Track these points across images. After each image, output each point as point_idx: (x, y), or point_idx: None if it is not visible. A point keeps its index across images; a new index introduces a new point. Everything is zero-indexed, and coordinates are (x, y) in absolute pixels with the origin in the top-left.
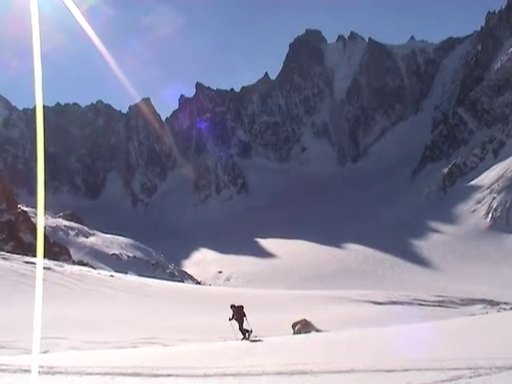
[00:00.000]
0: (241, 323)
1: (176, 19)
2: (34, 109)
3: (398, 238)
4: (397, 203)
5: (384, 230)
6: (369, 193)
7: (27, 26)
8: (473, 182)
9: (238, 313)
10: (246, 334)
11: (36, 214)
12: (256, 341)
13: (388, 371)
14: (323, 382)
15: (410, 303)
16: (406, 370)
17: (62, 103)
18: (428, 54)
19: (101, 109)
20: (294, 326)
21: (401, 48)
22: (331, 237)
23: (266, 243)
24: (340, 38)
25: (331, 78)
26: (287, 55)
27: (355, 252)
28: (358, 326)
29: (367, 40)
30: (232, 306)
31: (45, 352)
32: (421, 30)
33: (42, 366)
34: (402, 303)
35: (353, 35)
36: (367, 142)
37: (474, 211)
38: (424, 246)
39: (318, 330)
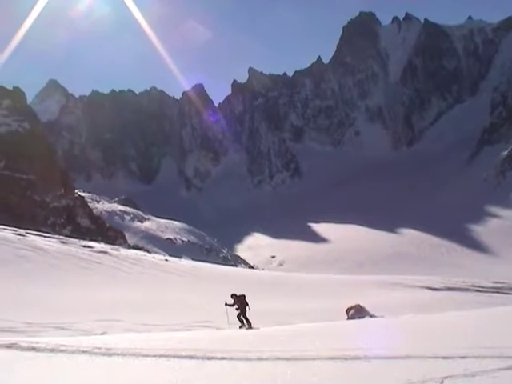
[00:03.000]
0: (242, 312)
1: (228, 5)
2: (90, 96)
3: (454, 222)
4: (453, 188)
5: (440, 215)
6: (424, 177)
7: (83, 18)
8: None
9: (240, 302)
10: (243, 322)
11: (92, 199)
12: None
13: (445, 358)
14: (377, 367)
15: (466, 289)
16: (464, 357)
17: (117, 90)
18: (486, 34)
19: (155, 95)
20: (347, 311)
21: (458, 28)
22: (385, 221)
23: (319, 228)
24: (394, 19)
25: (385, 61)
26: (340, 38)
27: (410, 237)
28: (413, 312)
29: (423, 21)
30: (233, 296)
31: (102, 334)
32: (479, 10)
33: (99, 348)
34: (458, 289)
35: (408, 16)
36: (423, 126)
37: None
38: (482, 231)
39: (371, 316)
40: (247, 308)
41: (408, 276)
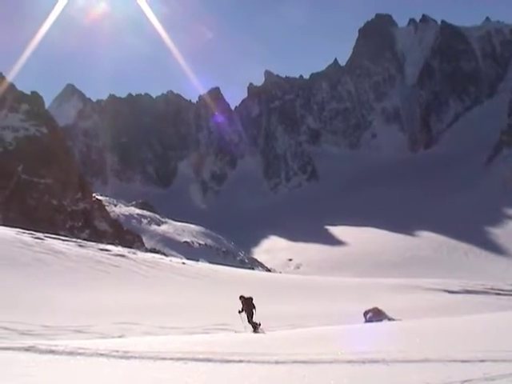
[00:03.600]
0: (250, 315)
1: (244, 8)
2: (107, 100)
3: (472, 225)
4: (471, 190)
5: (458, 218)
6: (441, 180)
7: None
8: None
9: (247, 305)
10: (256, 325)
11: (110, 203)
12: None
13: (463, 361)
14: (396, 371)
15: (485, 292)
16: (483, 361)
17: (134, 94)
18: (504, 35)
19: (171, 99)
20: (365, 314)
21: (475, 30)
22: (402, 224)
23: (336, 231)
24: (411, 21)
25: (402, 63)
26: (357, 40)
27: (428, 239)
28: (431, 315)
29: (439, 22)
30: (241, 298)
31: (119, 337)
32: (496, 11)
33: (116, 351)
34: (477, 292)
35: (424, 18)
36: (440, 128)
37: None
38: (500, 233)
39: (390, 319)
40: (254, 311)
41: (426, 279)
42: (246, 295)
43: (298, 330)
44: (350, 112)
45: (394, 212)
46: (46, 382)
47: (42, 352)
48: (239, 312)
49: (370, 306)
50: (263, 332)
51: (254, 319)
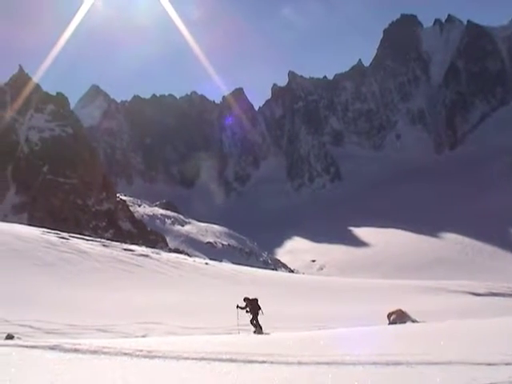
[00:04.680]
0: (254, 316)
1: (268, 9)
2: (132, 101)
3: (498, 227)
4: (497, 191)
5: (483, 219)
6: (467, 181)
7: (124, 24)
8: None
9: (252, 306)
10: (257, 327)
11: (134, 203)
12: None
13: (488, 364)
14: (419, 373)
15: (511, 295)
16: (508, 364)
17: (158, 95)
18: None
19: (195, 99)
20: (389, 316)
21: (501, 30)
22: (427, 226)
23: (360, 232)
24: (436, 21)
25: (427, 63)
26: (381, 41)
27: (452, 241)
28: (455, 317)
29: (465, 23)
30: (246, 299)
31: (143, 336)
32: None
33: (140, 350)
34: (503, 295)
35: (450, 18)
36: (466, 129)
37: None
38: None
39: (413, 321)
40: (259, 312)
41: (450, 281)
42: (251, 297)
43: (321, 331)
44: (374, 113)
45: (419, 213)
46: (71, 380)
47: (66, 351)
48: (237, 307)
49: (393, 308)
50: (261, 333)
51: (260, 320)
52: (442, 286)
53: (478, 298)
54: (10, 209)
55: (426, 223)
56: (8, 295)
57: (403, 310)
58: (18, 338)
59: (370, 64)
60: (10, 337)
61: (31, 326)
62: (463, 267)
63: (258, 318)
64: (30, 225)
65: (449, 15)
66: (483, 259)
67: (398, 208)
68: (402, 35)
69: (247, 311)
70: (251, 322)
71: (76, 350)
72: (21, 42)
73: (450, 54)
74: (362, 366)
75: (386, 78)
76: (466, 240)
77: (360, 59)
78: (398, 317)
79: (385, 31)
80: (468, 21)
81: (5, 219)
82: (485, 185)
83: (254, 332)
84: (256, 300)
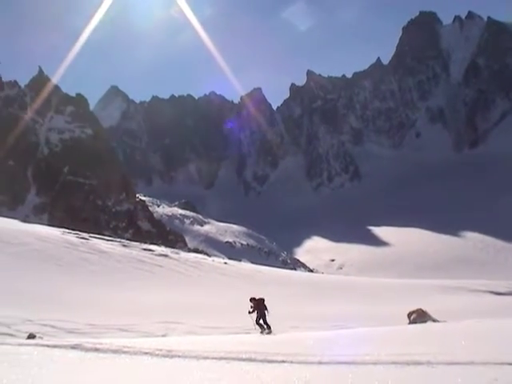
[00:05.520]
0: (261, 316)
1: (286, 9)
2: (151, 101)
3: None
4: None
5: (505, 218)
6: (488, 179)
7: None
8: None
9: (259, 306)
10: (263, 327)
11: (153, 203)
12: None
13: (510, 364)
14: (440, 373)
15: None
16: None
17: (177, 95)
18: None
19: (213, 100)
20: (409, 315)
21: None
22: (447, 225)
23: (379, 231)
24: (456, 18)
25: (447, 61)
26: (400, 39)
27: (473, 240)
28: (476, 316)
29: (485, 19)
30: (252, 300)
31: (163, 335)
32: None
33: (160, 349)
34: None
35: (470, 15)
36: (486, 127)
37: None
38: None
39: (434, 320)
40: (266, 312)
41: (471, 280)
42: (257, 297)
43: (341, 330)
44: (393, 111)
45: (439, 212)
46: (92, 379)
47: (87, 350)
48: (249, 313)
49: (414, 308)
50: (270, 333)
51: (268, 320)
52: (463, 286)
53: (499, 297)
54: (31, 209)
55: (445, 222)
56: (29, 295)
57: (423, 309)
58: (40, 337)
59: (389, 62)
60: (31, 336)
61: (52, 326)
62: (484, 266)
63: (267, 317)
64: (51, 225)
65: (469, 12)
66: (504, 258)
67: (418, 207)
68: (421, 33)
69: (254, 311)
70: (257, 322)
71: (97, 350)
72: (40, 44)
73: (470, 51)
74: (382, 365)
75: (405, 76)
76: (487, 239)
77: (379, 57)
78: (419, 316)
79: (404, 29)
80: (488, 17)
81: (26, 220)
82: (505, 183)
83: (261, 333)
84: (262, 300)
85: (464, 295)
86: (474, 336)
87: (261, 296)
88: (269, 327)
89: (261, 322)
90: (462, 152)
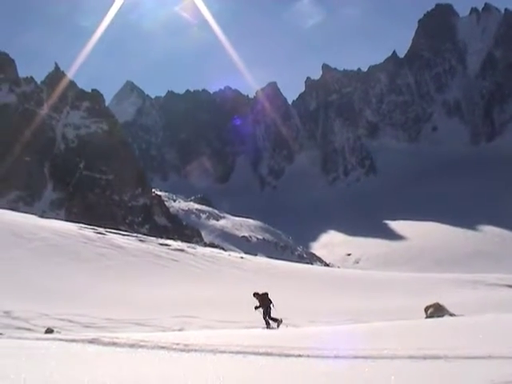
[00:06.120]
0: (267, 312)
1: (300, 3)
2: (166, 97)
3: None
4: None
5: None
6: (505, 173)
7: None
8: None
9: (263, 301)
10: (269, 323)
11: (169, 198)
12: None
13: None
14: (458, 367)
15: None
16: None
17: (192, 90)
18: None
19: (229, 94)
20: (426, 309)
21: None
22: (465, 218)
23: (396, 225)
24: (473, 10)
25: (464, 53)
26: (416, 32)
27: (491, 234)
28: (494, 311)
29: (503, 11)
30: (255, 295)
31: (179, 330)
32: None
33: (177, 344)
34: None
35: (487, 7)
36: (504, 119)
37: None
38: None
39: (451, 315)
40: (272, 306)
41: (488, 274)
42: (261, 291)
43: (358, 324)
44: (409, 105)
45: (456, 206)
46: (110, 373)
47: (105, 344)
48: (255, 308)
49: (431, 302)
50: (280, 325)
51: (274, 314)
52: (481, 279)
53: None
54: (48, 205)
55: (463, 216)
56: (47, 290)
57: (440, 303)
58: (58, 331)
59: (405, 55)
60: (49, 331)
61: (70, 320)
62: (502, 260)
63: (272, 311)
64: (67, 220)
65: (485, 4)
66: None
67: (435, 201)
68: (437, 25)
69: (256, 307)
70: (264, 317)
71: (114, 344)
72: (56, 40)
73: (487, 43)
74: (399, 359)
75: (421, 69)
76: (505, 232)
77: (394, 50)
78: (436, 310)
79: (420, 21)
80: (505, 9)
81: (43, 215)
82: None
83: (267, 328)
84: (266, 294)
85: (481, 289)
86: (492, 330)
87: (264, 290)
88: (276, 320)
89: (267, 317)
90: (479, 145)
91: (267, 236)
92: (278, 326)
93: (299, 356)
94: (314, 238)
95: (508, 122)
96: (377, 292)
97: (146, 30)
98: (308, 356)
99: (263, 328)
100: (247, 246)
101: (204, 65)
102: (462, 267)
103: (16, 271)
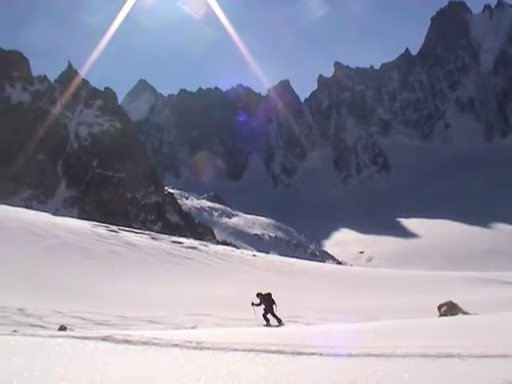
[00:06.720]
0: (269, 311)
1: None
2: (178, 95)
3: None
4: None
5: None
6: None
7: (169, 20)
8: None
9: (266, 301)
10: (269, 321)
11: (181, 196)
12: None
13: None
14: (472, 366)
15: None
16: None
17: (204, 88)
18: None
19: (241, 92)
20: (439, 307)
21: None
22: (478, 216)
23: (409, 223)
24: (486, 7)
25: (477, 50)
26: (429, 29)
27: (505, 232)
28: (508, 309)
29: None
30: (258, 295)
31: (192, 328)
32: None
33: (190, 341)
34: None
35: (500, 3)
36: None
37: None
38: None
39: (465, 313)
40: (274, 306)
41: (502, 272)
42: (264, 292)
43: (371, 323)
44: (422, 102)
45: (469, 204)
46: (123, 370)
47: (118, 342)
48: (252, 304)
49: (444, 300)
50: (281, 325)
51: (276, 314)
52: (493, 278)
53: None
54: (61, 203)
55: (476, 214)
56: (60, 287)
57: (454, 301)
58: (71, 329)
59: (418, 52)
60: (62, 328)
61: (83, 318)
62: None
63: (275, 311)
64: (81, 218)
65: (498, 1)
66: None
67: (448, 198)
68: (450, 22)
69: (253, 304)
70: (263, 315)
71: (127, 341)
72: (70, 38)
73: (500, 40)
74: (412, 358)
75: (434, 67)
76: None
77: (407, 48)
78: (449, 309)
79: (433, 19)
80: None
81: (56, 213)
82: None
83: (265, 325)
84: (269, 294)
85: (495, 287)
86: (506, 329)
87: (268, 291)
88: (279, 320)
89: (272, 315)
90: (492, 142)
91: (280, 234)
92: (278, 325)
93: (312, 354)
94: (327, 235)
95: None
96: (389, 290)
97: (158, 29)
98: (321, 354)
99: (264, 325)
100: (260, 243)
101: (216, 63)
102: (476, 265)
103: (29, 269)
